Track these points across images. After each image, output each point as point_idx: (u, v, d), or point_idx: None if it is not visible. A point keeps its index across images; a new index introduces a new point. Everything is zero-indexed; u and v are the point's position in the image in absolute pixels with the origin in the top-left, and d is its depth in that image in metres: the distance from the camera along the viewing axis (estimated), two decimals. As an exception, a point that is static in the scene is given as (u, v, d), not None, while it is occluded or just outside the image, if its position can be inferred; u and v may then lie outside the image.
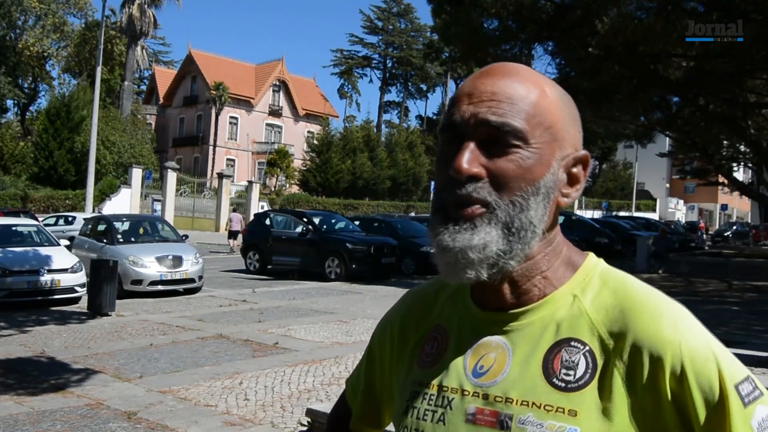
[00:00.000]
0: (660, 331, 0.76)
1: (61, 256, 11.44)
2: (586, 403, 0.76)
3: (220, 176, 35.46)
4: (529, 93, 0.81)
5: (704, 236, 37.77)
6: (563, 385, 0.78)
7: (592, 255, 0.88)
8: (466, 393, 0.83)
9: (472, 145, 0.80)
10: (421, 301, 0.98)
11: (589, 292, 0.83)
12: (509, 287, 0.84)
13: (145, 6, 46.88)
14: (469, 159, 0.79)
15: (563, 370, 0.79)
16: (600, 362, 0.78)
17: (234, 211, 29.28)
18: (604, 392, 0.76)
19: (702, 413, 0.74)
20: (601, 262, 0.87)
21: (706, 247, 28.73)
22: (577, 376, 0.78)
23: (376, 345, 1.02)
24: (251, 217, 25.02)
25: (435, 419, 0.84)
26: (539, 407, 0.78)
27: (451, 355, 0.87)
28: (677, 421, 0.75)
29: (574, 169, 0.85)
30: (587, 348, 0.79)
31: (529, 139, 0.80)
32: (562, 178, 0.84)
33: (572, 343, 0.80)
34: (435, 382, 0.87)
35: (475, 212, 0.79)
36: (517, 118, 0.79)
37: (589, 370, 0.78)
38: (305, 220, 16.43)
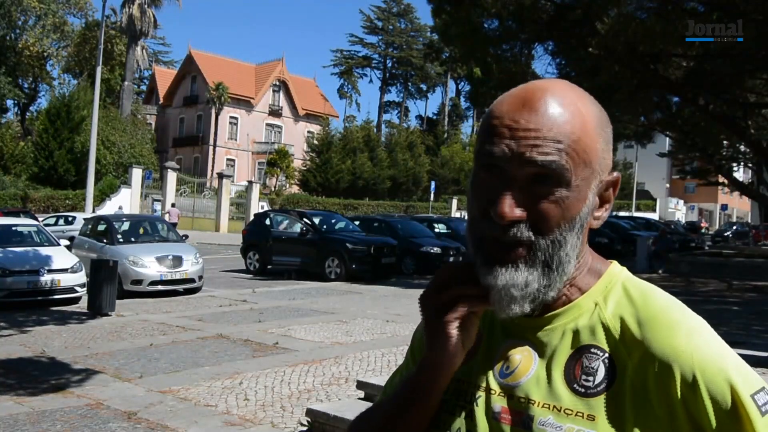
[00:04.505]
0: (673, 342, 0.78)
1: (61, 256, 11.44)
2: (603, 409, 0.79)
3: (220, 176, 35.48)
4: (572, 128, 0.80)
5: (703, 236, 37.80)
6: (583, 390, 0.81)
7: (615, 263, 0.90)
8: (493, 392, 0.86)
9: (514, 188, 0.79)
10: None
11: (611, 300, 0.85)
12: None
13: (145, 6, 46.90)
14: (512, 203, 0.79)
15: (583, 376, 0.81)
16: (618, 370, 0.80)
17: (173, 206, 29.72)
18: (621, 399, 0.79)
19: (714, 422, 0.75)
20: (624, 271, 0.89)
21: (706, 247, 28.71)
22: (596, 382, 0.80)
23: (418, 342, 1.03)
24: (251, 217, 25.03)
25: (464, 414, 0.87)
26: (559, 411, 0.80)
27: (482, 355, 0.90)
28: (690, 428, 0.76)
29: (606, 192, 0.87)
30: (606, 355, 0.81)
31: (571, 179, 0.80)
32: (595, 203, 0.85)
33: (592, 350, 0.82)
34: (466, 378, 0.89)
35: (519, 255, 0.80)
36: (563, 157, 0.79)
37: (607, 377, 0.80)
38: (305, 220, 16.42)
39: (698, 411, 0.76)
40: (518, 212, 0.79)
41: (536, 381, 0.84)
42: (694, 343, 0.77)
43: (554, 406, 0.81)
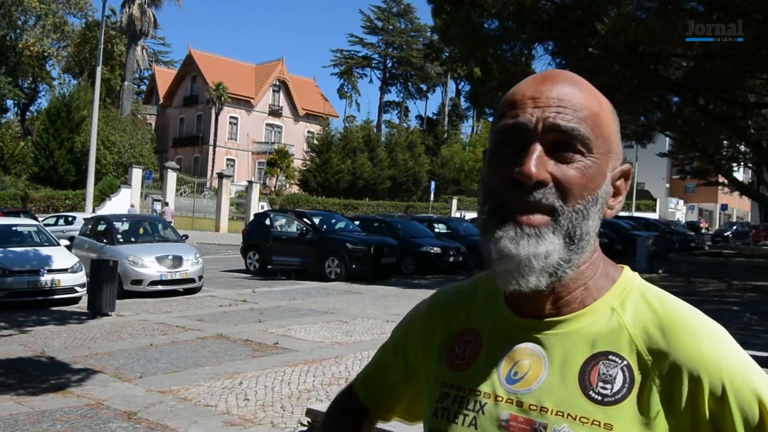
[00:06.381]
0: (700, 351, 0.76)
1: (61, 256, 11.43)
2: (622, 418, 0.77)
3: (220, 176, 35.46)
4: (591, 103, 0.82)
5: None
6: (599, 398, 0.78)
7: (627, 269, 0.89)
8: (500, 399, 0.83)
9: (539, 149, 0.79)
10: (451, 303, 0.98)
11: (629, 306, 0.83)
12: (552, 297, 0.84)
13: (145, 6, 46.88)
14: (538, 164, 0.78)
15: (600, 383, 0.79)
16: (638, 378, 0.78)
17: (166, 205, 29.75)
18: (642, 408, 0.77)
19: None
20: (638, 276, 0.88)
21: (706, 247, 28.71)
22: (614, 390, 0.78)
23: (402, 342, 1.01)
24: (251, 217, 25.02)
25: (467, 423, 0.84)
26: (574, 419, 0.78)
27: (484, 360, 0.87)
28: None
29: (618, 182, 0.86)
30: (625, 363, 0.79)
31: (592, 148, 0.80)
32: (610, 190, 0.85)
33: (610, 357, 0.80)
34: (467, 385, 0.86)
35: (542, 221, 0.79)
36: (584, 125, 0.80)
37: (627, 385, 0.78)
38: (305, 220, 16.42)
39: (725, 423, 0.75)
40: (544, 174, 0.78)
41: (549, 387, 0.81)
42: (720, 352, 0.77)
43: (569, 414, 0.78)
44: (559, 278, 0.80)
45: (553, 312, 0.84)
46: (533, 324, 0.85)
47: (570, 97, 0.81)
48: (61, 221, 22.85)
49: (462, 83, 71.82)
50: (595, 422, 0.77)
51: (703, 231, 44.67)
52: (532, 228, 0.78)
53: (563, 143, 0.79)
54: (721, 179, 28.24)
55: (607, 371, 0.79)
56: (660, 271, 18.40)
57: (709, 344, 0.77)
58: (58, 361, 7.05)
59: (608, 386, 0.78)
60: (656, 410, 0.76)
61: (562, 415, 0.78)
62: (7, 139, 46.04)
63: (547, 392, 0.81)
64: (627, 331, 0.81)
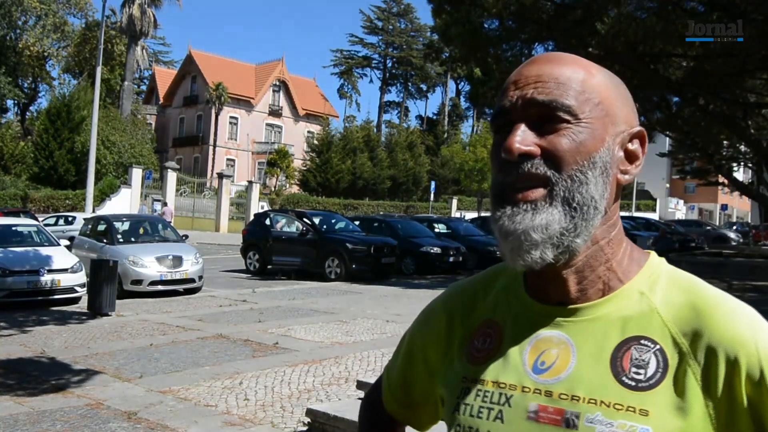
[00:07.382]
0: (736, 333, 0.75)
1: (61, 256, 11.43)
2: (657, 403, 0.75)
3: (220, 176, 35.45)
4: (574, 73, 0.82)
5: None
6: (633, 383, 0.77)
7: (654, 254, 0.87)
8: (527, 390, 0.81)
9: (522, 126, 0.79)
10: (467, 296, 0.95)
11: (658, 289, 0.81)
12: (575, 278, 0.82)
13: (145, 6, 46.86)
14: (521, 139, 0.78)
15: (633, 369, 0.77)
16: (672, 362, 0.76)
17: (165, 205, 29.73)
18: (678, 392, 0.75)
19: None
20: (664, 261, 0.86)
21: (706, 248, 28.69)
22: (648, 375, 0.77)
23: (419, 342, 0.99)
24: (251, 217, 25.03)
25: (492, 417, 0.81)
26: (608, 406, 0.76)
27: (506, 351, 0.85)
28: (751, 424, 0.74)
29: (631, 146, 0.84)
30: (658, 347, 0.78)
31: (578, 114, 0.79)
32: (619, 155, 0.83)
33: (642, 342, 0.78)
34: (490, 378, 0.84)
35: (536, 195, 0.78)
36: (565, 95, 0.80)
37: (660, 370, 0.76)
38: (305, 220, 16.42)
39: (763, 405, 0.73)
40: (527, 147, 0.78)
41: (579, 375, 0.79)
42: (757, 333, 0.75)
43: (602, 401, 0.76)
44: (569, 249, 0.79)
45: (577, 296, 0.82)
46: (558, 311, 0.83)
47: (549, 71, 0.81)
48: (61, 221, 22.84)
49: (462, 83, 71.82)
50: (630, 408, 0.75)
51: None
52: (528, 203, 0.78)
53: (546, 116, 0.79)
54: (721, 179, 28.24)
55: (640, 356, 0.77)
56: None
57: (747, 325, 0.75)
58: (58, 361, 7.05)
59: (642, 371, 0.77)
60: (692, 394, 0.74)
61: (595, 403, 0.76)
62: (7, 139, 46.03)
63: (578, 380, 0.78)
64: (658, 315, 0.79)
